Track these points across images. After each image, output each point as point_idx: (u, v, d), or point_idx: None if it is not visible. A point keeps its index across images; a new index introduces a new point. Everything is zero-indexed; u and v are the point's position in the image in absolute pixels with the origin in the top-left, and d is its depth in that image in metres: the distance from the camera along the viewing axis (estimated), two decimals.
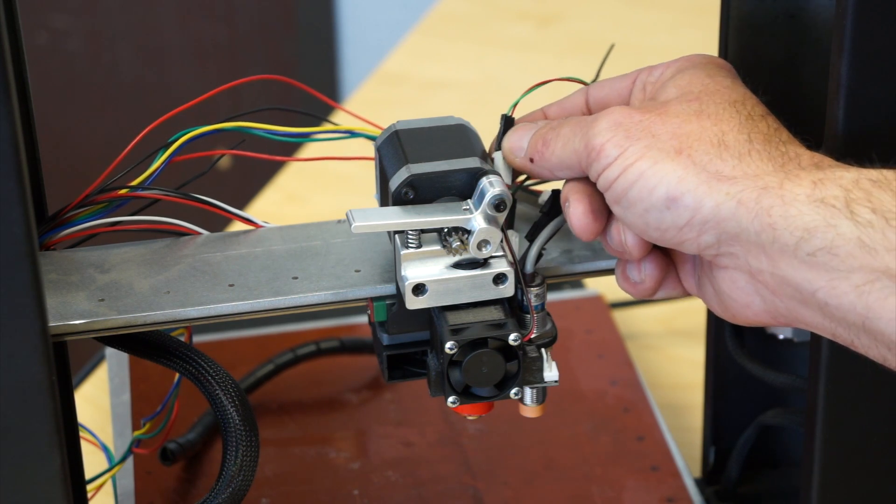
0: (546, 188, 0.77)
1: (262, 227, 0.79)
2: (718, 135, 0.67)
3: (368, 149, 0.78)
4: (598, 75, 0.80)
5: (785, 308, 0.66)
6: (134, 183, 0.77)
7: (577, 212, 0.71)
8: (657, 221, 0.67)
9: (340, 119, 0.81)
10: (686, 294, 0.74)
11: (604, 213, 0.71)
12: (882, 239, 0.62)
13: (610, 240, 0.72)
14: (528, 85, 0.76)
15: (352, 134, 0.79)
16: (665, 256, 0.72)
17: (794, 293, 0.65)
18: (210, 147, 0.79)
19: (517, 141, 0.73)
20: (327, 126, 0.79)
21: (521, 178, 0.76)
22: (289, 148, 0.83)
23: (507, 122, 0.74)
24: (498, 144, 0.75)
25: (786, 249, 0.64)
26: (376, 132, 0.77)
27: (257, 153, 0.79)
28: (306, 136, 0.79)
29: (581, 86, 0.76)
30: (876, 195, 0.63)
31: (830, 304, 0.63)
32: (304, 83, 0.80)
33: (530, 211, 0.78)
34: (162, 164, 0.77)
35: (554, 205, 0.74)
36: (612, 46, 0.83)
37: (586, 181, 0.71)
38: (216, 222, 0.82)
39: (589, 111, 0.75)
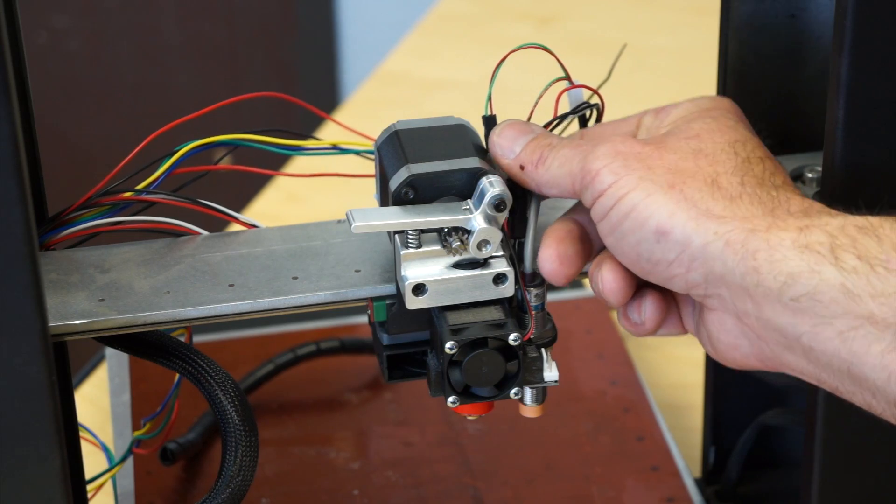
0: None
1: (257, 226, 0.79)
2: (712, 175, 0.68)
3: (364, 164, 0.78)
4: (608, 76, 0.80)
5: (770, 352, 0.66)
6: (143, 183, 0.77)
7: (547, 255, 0.72)
8: (648, 253, 0.67)
9: (337, 128, 0.81)
10: (686, 332, 0.74)
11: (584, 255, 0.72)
12: (866, 285, 0.62)
13: (592, 284, 0.72)
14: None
15: (343, 150, 0.79)
16: (664, 298, 0.72)
17: (779, 338, 0.65)
18: (210, 152, 0.79)
19: (509, 141, 0.73)
20: (321, 142, 0.79)
21: None
22: (285, 157, 0.84)
23: (489, 122, 0.74)
24: (488, 146, 0.74)
25: (769, 294, 0.64)
26: (368, 145, 0.77)
27: (256, 164, 0.80)
28: (300, 150, 0.79)
29: (543, 51, 0.75)
30: (861, 241, 0.63)
31: (815, 349, 0.63)
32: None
33: None
34: (164, 172, 0.77)
35: (514, 193, 0.73)
36: (623, 47, 0.82)
37: (570, 221, 0.72)
38: (216, 223, 0.82)
39: None
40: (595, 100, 0.76)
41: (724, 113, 0.72)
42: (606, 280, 0.71)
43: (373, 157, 0.76)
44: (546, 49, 0.74)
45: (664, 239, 0.66)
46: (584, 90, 0.75)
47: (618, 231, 0.68)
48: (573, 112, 0.75)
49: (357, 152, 0.79)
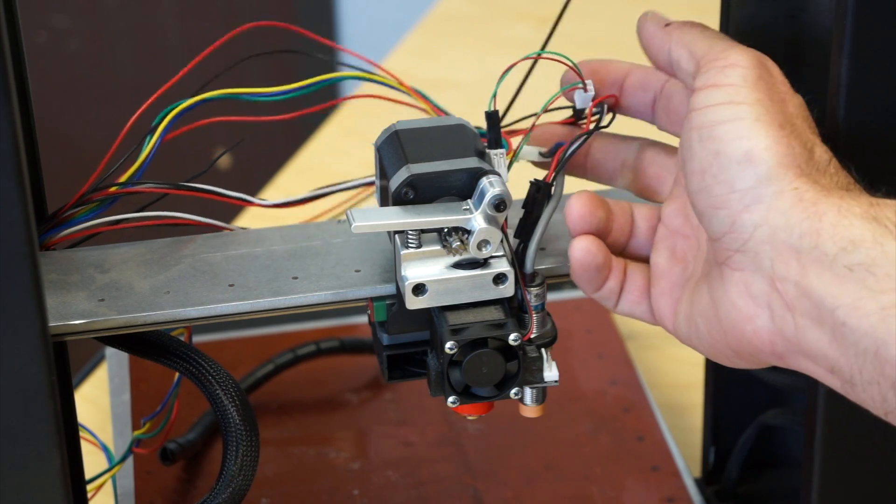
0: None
1: (261, 205, 0.79)
2: (811, 143, 0.67)
3: (371, 144, 0.78)
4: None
5: (793, 328, 0.64)
6: (126, 175, 0.76)
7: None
8: (719, 169, 0.66)
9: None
10: (652, 321, 0.73)
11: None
12: None
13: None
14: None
15: (338, 80, 0.77)
16: (601, 248, 0.71)
17: (811, 309, 0.63)
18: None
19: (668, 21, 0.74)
20: (315, 78, 0.77)
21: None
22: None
23: (492, 118, 0.74)
24: (490, 143, 0.74)
25: (823, 259, 0.62)
26: (366, 76, 0.76)
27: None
28: (295, 91, 0.77)
29: (558, 63, 0.75)
30: None
31: (848, 325, 0.61)
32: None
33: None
34: (152, 148, 0.76)
35: (535, 199, 0.73)
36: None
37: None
38: (216, 218, 0.82)
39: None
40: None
41: None
42: (572, 207, 0.71)
43: (378, 85, 0.76)
44: (569, 63, 0.74)
45: (747, 165, 0.65)
46: (592, 90, 0.75)
47: (705, 131, 0.66)
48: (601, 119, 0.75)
49: (362, 79, 0.77)
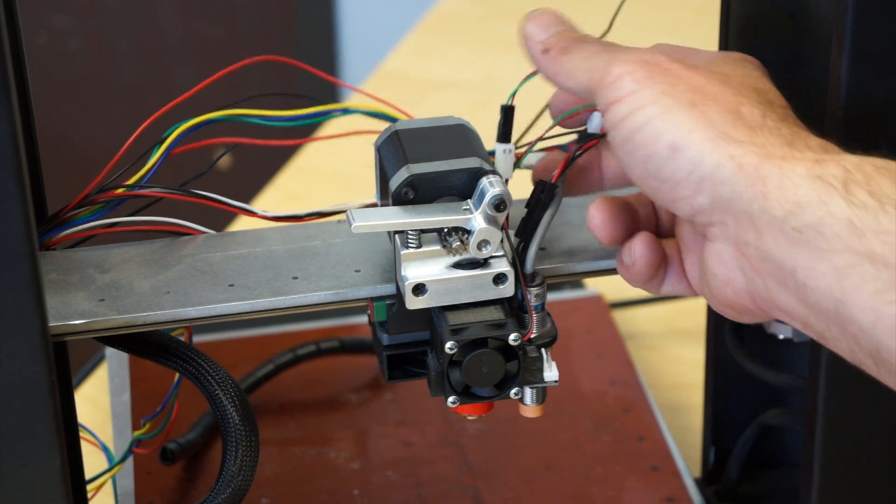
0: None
1: (263, 216, 0.79)
2: (735, 105, 0.66)
3: (371, 144, 0.78)
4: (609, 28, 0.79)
5: (764, 288, 0.65)
6: (131, 181, 0.76)
7: None
8: (657, 170, 0.66)
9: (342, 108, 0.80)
10: (693, 293, 0.73)
11: None
12: (873, 222, 0.60)
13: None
14: (529, 85, 0.75)
15: (347, 111, 0.78)
16: (656, 241, 0.72)
17: (774, 271, 0.64)
18: (209, 149, 0.79)
19: (541, 25, 0.73)
20: (323, 106, 0.78)
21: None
22: (288, 139, 0.82)
23: (507, 113, 0.74)
24: (499, 136, 0.74)
25: (773, 222, 0.63)
26: (376, 108, 0.77)
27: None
28: (302, 119, 0.78)
29: None
30: (876, 179, 0.62)
31: (808, 286, 0.62)
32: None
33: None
34: (158, 159, 0.76)
35: (539, 199, 0.73)
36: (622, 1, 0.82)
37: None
38: (216, 223, 0.82)
39: None
40: None
41: (755, 67, 0.71)
42: (594, 215, 0.71)
43: (380, 119, 0.76)
44: None
45: (676, 156, 0.65)
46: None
47: (629, 143, 0.67)
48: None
49: (365, 112, 0.78)
